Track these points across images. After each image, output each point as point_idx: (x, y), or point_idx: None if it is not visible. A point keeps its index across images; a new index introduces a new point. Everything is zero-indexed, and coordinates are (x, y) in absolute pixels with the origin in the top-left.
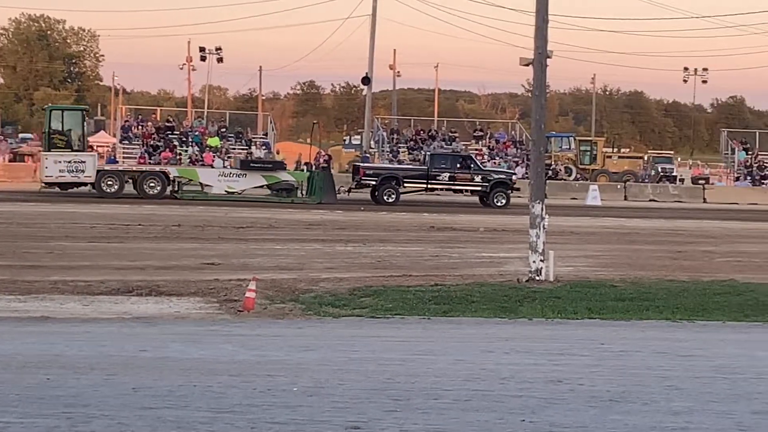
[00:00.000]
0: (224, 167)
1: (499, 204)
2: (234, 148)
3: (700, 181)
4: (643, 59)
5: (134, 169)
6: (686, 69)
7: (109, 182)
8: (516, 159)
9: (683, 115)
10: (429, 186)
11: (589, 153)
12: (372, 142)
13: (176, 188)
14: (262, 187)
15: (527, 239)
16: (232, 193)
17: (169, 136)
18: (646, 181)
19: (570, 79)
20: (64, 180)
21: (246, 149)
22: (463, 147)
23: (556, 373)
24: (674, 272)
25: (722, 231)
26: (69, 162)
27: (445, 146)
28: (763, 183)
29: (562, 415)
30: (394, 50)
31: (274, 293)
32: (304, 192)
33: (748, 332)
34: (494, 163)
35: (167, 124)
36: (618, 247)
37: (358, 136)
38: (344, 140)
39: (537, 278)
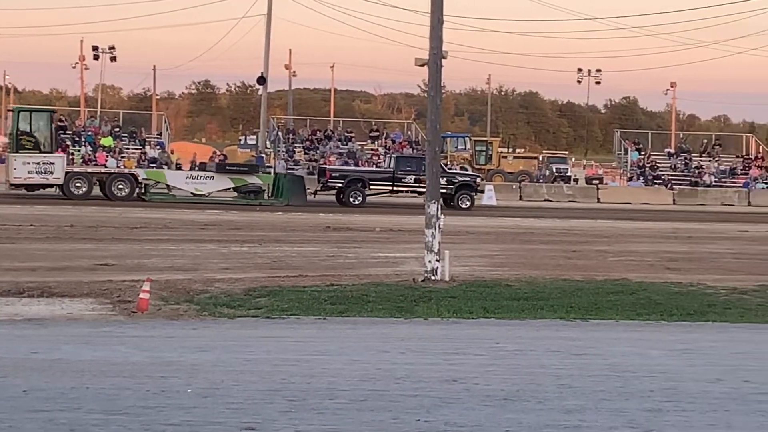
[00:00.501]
0: (191, 170)
1: (463, 206)
2: (128, 148)
3: (594, 181)
4: (538, 60)
5: (103, 171)
6: (580, 70)
7: (78, 184)
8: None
9: (577, 115)
10: (394, 188)
11: (484, 153)
12: (267, 142)
13: (143, 190)
14: (228, 189)
15: (423, 239)
16: (200, 195)
17: (62, 135)
18: (541, 181)
19: (465, 79)
20: (33, 181)
21: (140, 149)
22: (359, 147)
23: (452, 373)
24: (568, 271)
25: (615, 230)
26: (38, 163)
27: (341, 146)
28: (655, 183)
29: (457, 414)
30: (290, 50)
31: (169, 294)
32: (269, 194)
33: (641, 331)
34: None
35: (59, 123)
36: (513, 247)
37: (254, 136)
38: (240, 140)
39: (433, 278)
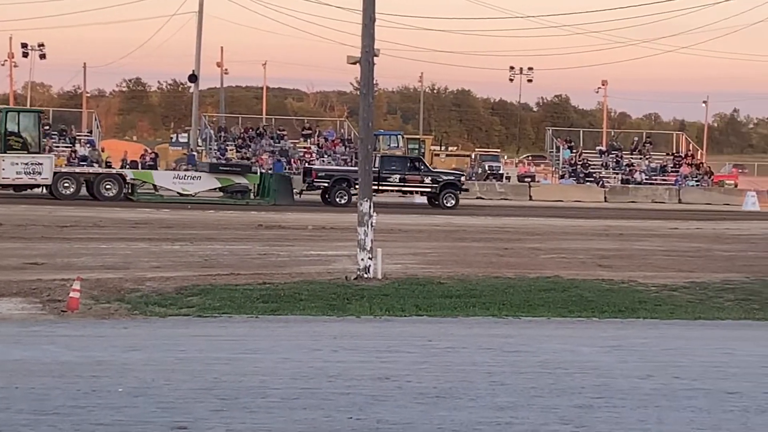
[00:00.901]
0: (179, 170)
1: (448, 205)
2: (58, 146)
3: (526, 179)
4: (470, 58)
5: (91, 171)
6: (512, 68)
7: (66, 184)
8: (345, 157)
9: (510, 113)
10: (380, 188)
11: (417, 151)
12: (199, 140)
13: (130, 191)
14: (215, 189)
15: (356, 237)
16: (187, 195)
17: None
18: (474, 179)
19: (398, 77)
20: (22, 182)
21: (70, 147)
22: (292, 145)
23: (384, 371)
24: (500, 269)
25: (548, 228)
26: (26, 164)
27: (273, 144)
28: (587, 181)
29: (389, 412)
30: (222, 47)
31: (99, 293)
32: (255, 194)
33: (573, 328)
34: (322, 161)
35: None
36: (446, 245)
37: (186, 134)
38: (171, 138)
39: (365, 276)
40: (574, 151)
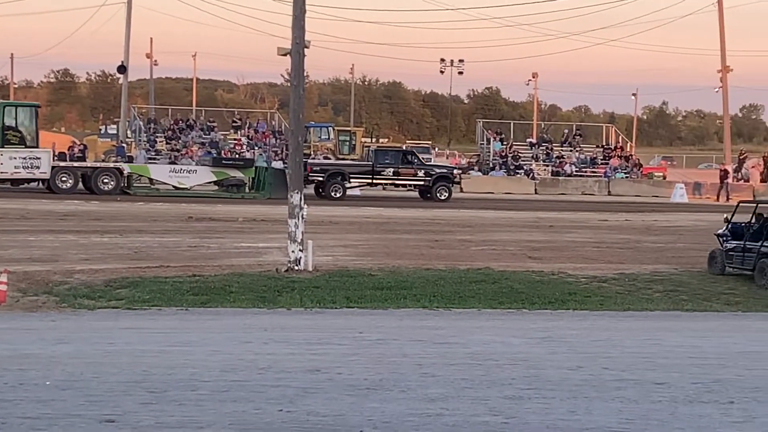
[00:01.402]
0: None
1: (441, 198)
2: None
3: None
4: (401, 50)
5: (89, 165)
6: (443, 60)
7: (64, 178)
8: (275, 149)
9: (441, 105)
10: (374, 181)
11: (348, 143)
12: (128, 132)
13: (127, 184)
14: (210, 183)
15: (286, 229)
16: (182, 188)
17: None
18: None
19: (329, 69)
20: (20, 176)
21: None
22: (222, 137)
23: (315, 363)
24: (431, 261)
25: (478, 220)
26: (24, 158)
27: (203, 136)
28: (517, 173)
29: (320, 404)
30: (151, 38)
31: (27, 285)
32: (250, 188)
33: (503, 319)
34: (253, 152)
35: None
36: (376, 237)
37: (115, 126)
38: (100, 129)
39: (296, 268)
40: (505, 143)
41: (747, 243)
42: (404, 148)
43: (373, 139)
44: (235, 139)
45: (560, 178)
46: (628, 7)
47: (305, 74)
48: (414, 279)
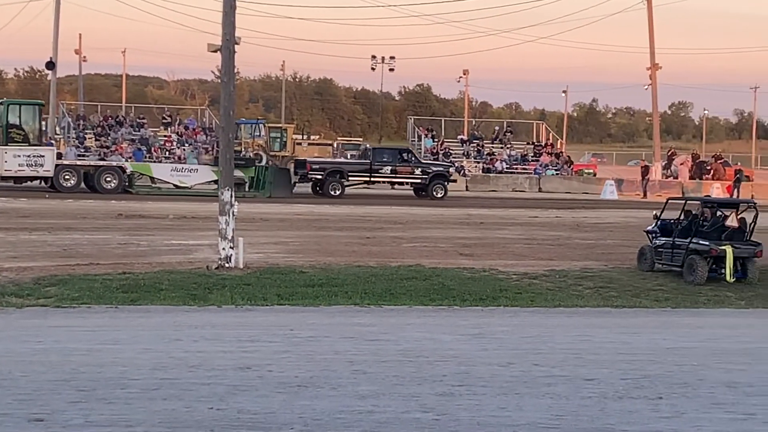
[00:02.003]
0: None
1: (438, 195)
2: None
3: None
4: (332, 47)
5: (92, 164)
6: (374, 57)
7: (67, 176)
8: (206, 146)
9: (372, 102)
10: (372, 179)
11: (279, 140)
12: (57, 129)
13: (129, 183)
14: (211, 182)
15: (217, 226)
16: (183, 187)
17: None
18: None
19: (260, 65)
20: (24, 174)
21: None
22: (152, 134)
23: (246, 360)
24: (363, 258)
25: (410, 217)
26: (28, 156)
27: (133, 133)
28: None
29: (250, 401)
30: (80, 34)
31: None
32: (250, 187)
33: (434, 316)
34: (182, 149)
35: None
36: (308, 234)
37: (43, 122)
38: None
39: (227, 265)
40: (436, 140)
41: (676, 239)
42: (402, 146)
43: (304, 136)
44: (165, 136)
45: (491, 175)
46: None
47: (236, 71)
48: (345, 276)
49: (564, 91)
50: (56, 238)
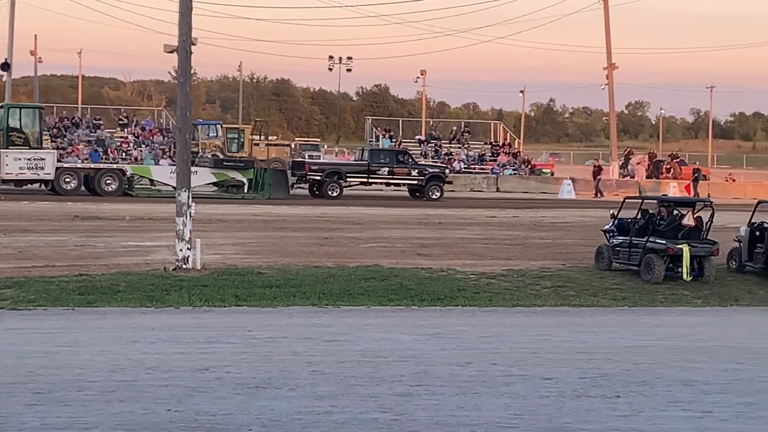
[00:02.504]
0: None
1: (434, 197)
2: None
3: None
4: (290, 47)
5: (92, 166)
6: (331, 57)
7: (67, 179)
8: (163, 147)
9: (330, 102)
10: (369, 180)
11: (236, 140)
12: None
13: (129, 185)
14: (210, 184)
15: (174, 227)
16: None
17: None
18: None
19: (217, 66)
20: (25, 177)
21: None
22: (109, 135)
23: (203, 362)
24: (320, 258)
25: (367, 217)
26: (29, 159)
27: (90, 134)
28: None
29: (208, 403)
30: (35, 35)
31: None
32: (249, 188)
33: (392, 316)
34: (139, 150)
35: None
36: (265, 234)
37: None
38: None
39: (184, 266)
40: (394, 140)
41: (633, 238)
42: (400, 147)
43: (262, 137)
44: (121, 137)
45: (448, 174)
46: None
47: (192, 71)
48: (303, 276)
49: (521, 91)
50: (11, 240)
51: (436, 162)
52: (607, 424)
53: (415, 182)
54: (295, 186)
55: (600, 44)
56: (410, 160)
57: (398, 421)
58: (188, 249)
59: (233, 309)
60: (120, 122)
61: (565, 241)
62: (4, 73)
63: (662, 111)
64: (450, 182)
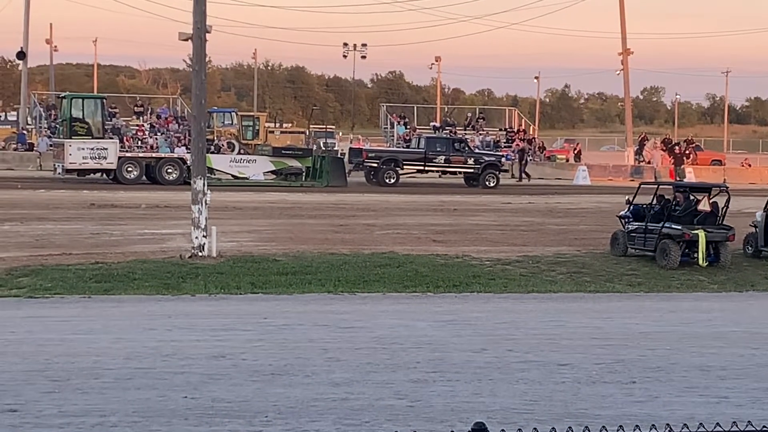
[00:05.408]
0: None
1: (490, 185)
2: None
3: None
4: (304, 35)
5: (153, 156)
6: (346, 44)
7: (129, 169)
8: (178, 135)
9: (344, 89)
10: (426, 168)
11: (251, 128)
12: (29, 119)
13: (189, 174)
14: (269, 172)
15: (190, 215)
16: (242, 178)
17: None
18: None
19: (232, 53)
20: (88, 166)
21: None
22: (124, 123)
23: (219, 349)
24: (336, 245)
25: (383, 204)
26: (92, 149)
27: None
28: None
29: (224, 390)
30: (51, 24)
31: None
32: (308, 176)
33: (408, 303)
34: (155, 138)
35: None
36: (281, 222)
37: (15, 113)
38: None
39: (200, 254)
40: (408, 127)
41: (648, 224)
42: (454, 135)
43: (277, 124)
44: (137, 125)
45: None
46: None
47: (207, 59)
48: (318, 264)
49: (536, 77)
50: (28, 229)
51: (490, 151)
52: (623, 410)
53: (471, 170)
54: (352, 173)
55: (615, 29)
56: (466, 148)
57: (414, 407)
58: (204, 236)
59: (249, 296)
60: (135, 110)
61: (580, 227)
62: (21, 61)
63: (678, 96)
64: (506, 170)
